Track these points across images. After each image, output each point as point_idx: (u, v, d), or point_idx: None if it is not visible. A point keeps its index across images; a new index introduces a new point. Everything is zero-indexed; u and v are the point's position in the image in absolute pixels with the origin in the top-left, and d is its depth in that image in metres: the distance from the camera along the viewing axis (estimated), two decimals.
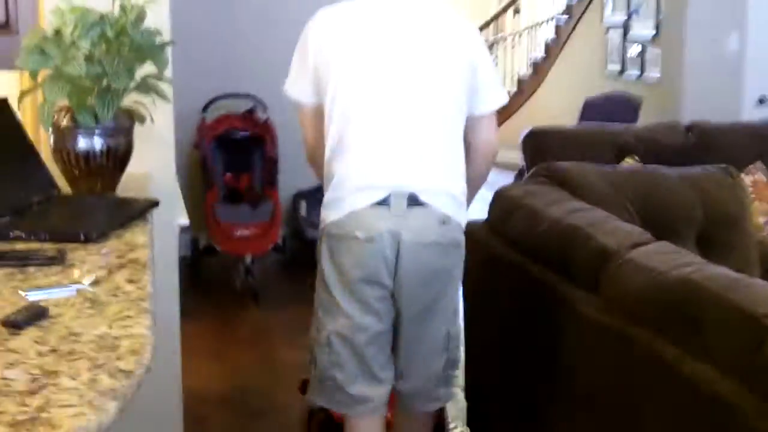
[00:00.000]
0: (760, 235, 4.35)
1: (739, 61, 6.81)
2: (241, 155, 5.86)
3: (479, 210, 3.14)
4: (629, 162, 4.53)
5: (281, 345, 4.58)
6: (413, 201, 2.47)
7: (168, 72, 2.54)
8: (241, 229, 5.41)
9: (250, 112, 5.94)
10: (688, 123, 4.89)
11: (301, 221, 5.91)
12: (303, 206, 5.96)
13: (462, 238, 2.60)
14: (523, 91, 10.02)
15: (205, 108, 5.89)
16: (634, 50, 8.11)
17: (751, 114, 6.87)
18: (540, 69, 9.82)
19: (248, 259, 5.31)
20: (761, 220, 4.41)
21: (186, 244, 5.92)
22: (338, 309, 2.52)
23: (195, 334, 4.69)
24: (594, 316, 2.40)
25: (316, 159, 2.67)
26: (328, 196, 2.54)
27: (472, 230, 3.25)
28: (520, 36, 10.46)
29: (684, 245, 3.22)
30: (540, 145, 4.54)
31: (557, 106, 9.34)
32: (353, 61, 2.52)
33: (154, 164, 2.71)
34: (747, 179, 4.64)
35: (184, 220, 2.87)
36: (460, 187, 2.59)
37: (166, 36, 2.63)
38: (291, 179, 6.11)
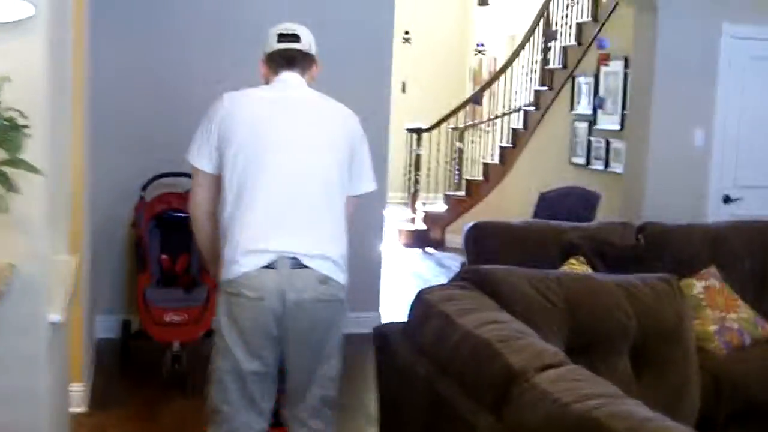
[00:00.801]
0: (711, 346, 4.11)
1: (705, 157, 6.64)
2: (179, 236, 5.59)
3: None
4: (573, 263, 4.30)
5: None
6: (297, 264, 2.90)
7: (41, 158, 2.29)
8: (170, 314, 5.11)
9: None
10: (640, 223, 4.68)
11: None
12: None
13: (342, 295, 3.02)
14: (489, 179, 9.84)
15: (145, 187, 5.66)
16: (599, 143, 7.98)
17: (716, 212, 6.69)
18: (508, 157, 9.67)
19: (176, 346, 5.01)
20: (712, 328, 4.17)
21: (116, 327, 5.64)
22: (229, 352, 2.94)
23: (110, 425, 4.39)
24: None
25: (198, 218, 3.15)
26: (224, 256, 2.93)
27: (387, 333, 3.01)
28: (493, 124, 10.32)
29: (617, 359, 3.01)
30: (483, 241, 4.32)
31: (524, 195, 9.17)
32: (249, 139, 2.93)
33: (20, 252, 2.45)
34: (699, 285, 4.41)
35: (56, 315, 2.59)
36: (339, 252, 3.00)
37: (39, 113, 2.39)
38: None
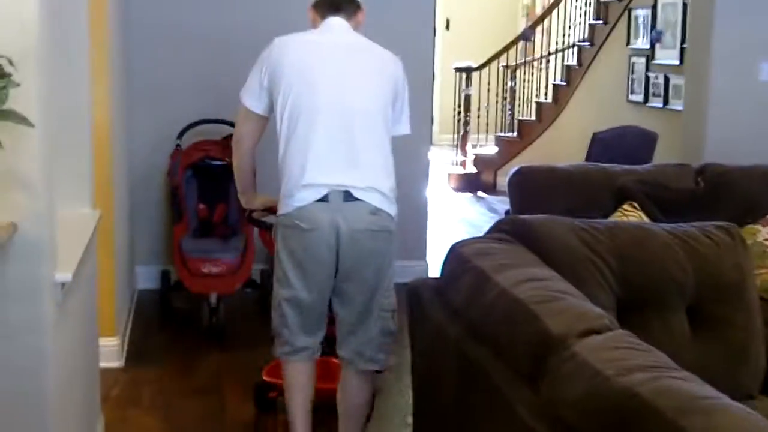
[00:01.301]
0: None
1: None
2: (216, 185, 5.43)
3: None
4: (626, 210, 4.03)
5: (234, 396, 4.12)
6: (348, 197, 3.09)
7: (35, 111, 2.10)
8: (208, 265, 4.96)
9: (229, 139, 5.51)
10: (699, 165, 4.38)
11: None
12: None
13: (392, 226, 3.21)
14: (542, 119, 9.51)
15: (180, 135, 5.49)
16: (657, 79, 7.61)
17: None
18: (561, 96, 9.32)
19: (213, 298, 4.86)
20: None
21: (157, 278, 5.52)
22: (288, 282, 3.18)
23: (145, 381, 4.27)
24: (530, 425, 1.90)
25: (242, 160, 3.43)
26: (281, 192, 3.15)
27: (419, 290, 2.81)
28: (547, 61, 9.94)
29: (672, 317, 2.76)
30: (528, 187, 4.07)
31: (578, 136, 8.84)
32: (300, 81, 3.12)
33: (21, 211, 2.27)
34: (765, 231, 4.12)
35: (65, 275, 2.42)
36: (388, 185, 3.17)
37: (31, 60, 2.19)
38: None
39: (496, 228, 2.84)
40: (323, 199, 3.07)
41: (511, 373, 2.10)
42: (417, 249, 6.05)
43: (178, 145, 5.44)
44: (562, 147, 9.06)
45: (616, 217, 4.02)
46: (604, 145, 5.45)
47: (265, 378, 3.86)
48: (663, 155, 6.29)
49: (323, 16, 3.28)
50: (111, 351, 4.37)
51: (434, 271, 6.18)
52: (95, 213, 3.43)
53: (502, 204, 8.99)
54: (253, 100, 3.25)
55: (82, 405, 3.15)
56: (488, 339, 2.25)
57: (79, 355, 3.06)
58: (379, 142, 3.17)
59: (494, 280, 2.39)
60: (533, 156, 9.39)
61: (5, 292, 2.32)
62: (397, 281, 5.82)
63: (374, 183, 3.11)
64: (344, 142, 3.10)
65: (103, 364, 3.95)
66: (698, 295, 2.77)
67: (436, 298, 2.68)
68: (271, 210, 3.44)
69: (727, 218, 4.15)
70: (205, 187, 5.42)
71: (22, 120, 2.10)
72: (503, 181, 9.64)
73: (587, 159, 5.43)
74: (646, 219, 4.02)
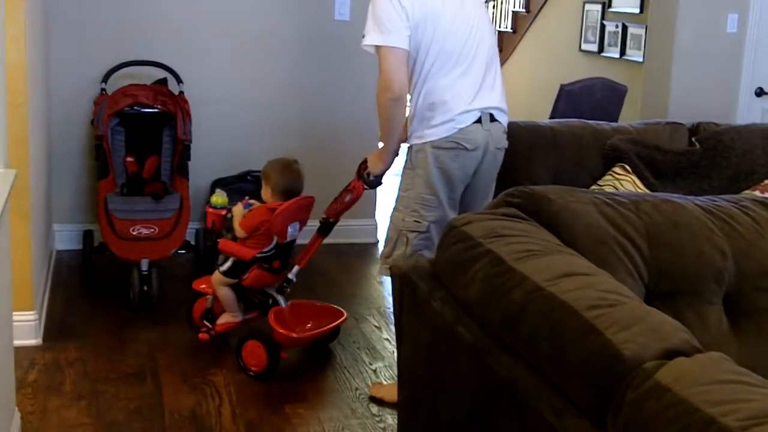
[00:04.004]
0: None
1: (737, 46, 5.91)
2: (146, 135, 4.85)
3: None
4: (619, 173, 3.61)
5: (171, 381, 3.62)
6: (492, 118, 3.41)
7: None
8: (137, 227, 4.40)
9: (161, 83, 4.92)
10: (692, 124, 3.98)
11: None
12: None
13: None
14: None
15: (106, 78, 4.86)
16: (614, 28, 7.20)
17: (748, 107, 6.01)
18: (506, 44, 8.86)
19: (145, 264, 4.31)
20: None
21: (77, 238, 4.94)
22: (438, 204, 3.38)
23: (67, 363, 3.73)
24: None
25: (402, 100, 3.33)
26: (434, 120, 3.33)
27: (410, 276, 2.33)
28: (493, 6, 9.46)
29: (708, 309, 2.33)
30: (510, 145, 3.59)
31: (525, 87, 8.41)
32: (440, 19, 3.30)
33: None
34: (762, 196, 3.75)
35: None
36: (506, 107, 3.51)
37: None
38: (207, 165, 5.13)
39: (502, 201, 2.37)
40: (478, 121, 3.35)
41: (560, 400, 1.65)
42: (365, 206, 5.56)
43: (103, 90, 4.83)
44: (508, 97, 8.61)
45: (607, 181, 3.61)
46: (572, 98, 5.01)
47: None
48: (624, 108, 5.91)
49: None
50: (27, 327, 3.82)
51: (384, 231, 5.74)
52: (9, 173, 2.87)
53: None
54: (403, 39, 3.26)
55: None
56: (522, 350, 1.79)
57: None
58: (498, 71, 3.49)
59: (519, 272, 1.92)
60: None
61: None
62: (347, 242, 5.43)
63: (503, 105, 3.46)
64: (483, 69, 3.38)
65: (17, 342, 3.41)
66: (737, 283, 2.35)
67: (436, 288, 2.20)
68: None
69: (723, 183, 3.78)
70: (134, 138, 4.84)
71: None
72: None
73: (553, 113, 5.00)
74: (639, 183, 3.62)
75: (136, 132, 4.86)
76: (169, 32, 5.11)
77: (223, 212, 3.85)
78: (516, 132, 3.65)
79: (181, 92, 4.91)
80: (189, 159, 4.80)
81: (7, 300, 2.98)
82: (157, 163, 4.81)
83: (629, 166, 3.60)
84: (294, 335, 3.71)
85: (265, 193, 3.77)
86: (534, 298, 1.81)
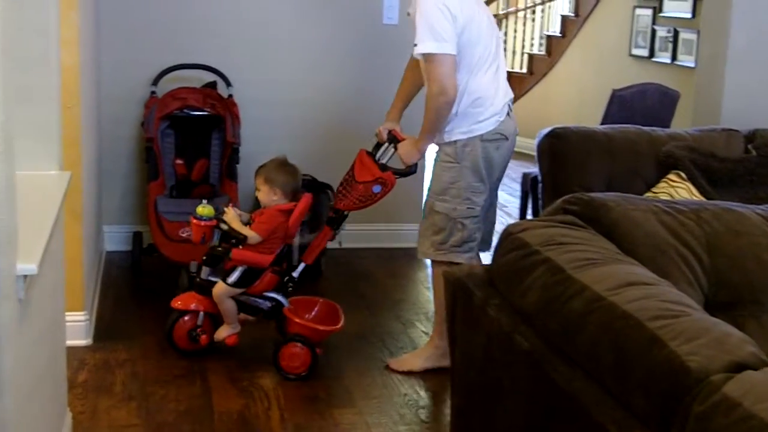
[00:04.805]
0: None
1: None
2: (196, 138, 4.87)
3: None
4: (674, 180, 3.55)
5: (220, 382, 3.62)
6: (510, 109, 3.70)
7: None
8: (187, 229, 4.40)
9: (210, 86, 4.94)
10: (749, 131, 3.91)
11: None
12: None
13: None
14: (534, 71, 8.98)
15: (156, 81, 4.89)
16: (665, 33, 7.11)
17: None
18: (555, 47, 8.79)
19: (193, 266, 4.30)
20: None
21: (127, 239, 4.97)
22: (484, 190, 3.66)
23: (117, 363, 3.75)
24: None
25: (452, 103, 3.54)
26: (484, 115, 3.59)
27: (465, 282, 2.30)
28: (541, 10, 9.39)
29: None
30: (561, 151, 3.57)
31: (573, 91, 8.34)
32: (478, 22, 3.56)
33: None
34: None
35: (30, 266, 1.88)
36: None
37: None
38: (255, 168, 5.13)
39: (559, 207, 2.34)
40: (508, 113, 3.65)
41: (622, 412, 1.61)
42: (413, 210, 5.54)
43: (153, 93, 4.86)
44: (556, 102, 8.57)
45: (662, 188, 3.56)
46: (624, 103, 4.95)
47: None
48: (675, 114, 5.82)
49: None
50: (78, 327, 3.84)
51: None
52: (64, 175, 2.88)
53: None
54: (454, 46, 3.47)
55: (46, 411, 2.61)
56: (582, 360, 1.76)
57: (44, 356, 2.52)
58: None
59: (579, 281, 1.89)
60: (523, 111, 8.83)
61: None
62: (394, 246, 5.41)
63: (511, 97, 3.74)
64: (501, 66, 3.68)
65: (68, 342, 3.42)
66: None
67: (491, 295, 2.18)
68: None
69: None
70: (184, 141, 4.87)
71: None
72: None
73: (605, 118, 4.93)
74: (694, 191, 3.56)
75: (186, 135, 4.89)
76: (218, 36, 5.13)
77: (213, 223, 3.70)
78: (569, 137, 3.61)
79: (231, 95, 4.93)
80: (238, 162, 4.82)
81: (60, 300, 3.00)
82: (206, 166, 4.83)
83: (685, 173, 3.54)
84: (329, 328, 3.75)
85: (269, 195, 3.71)
86: (595, 308, 1.78)
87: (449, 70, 3.47)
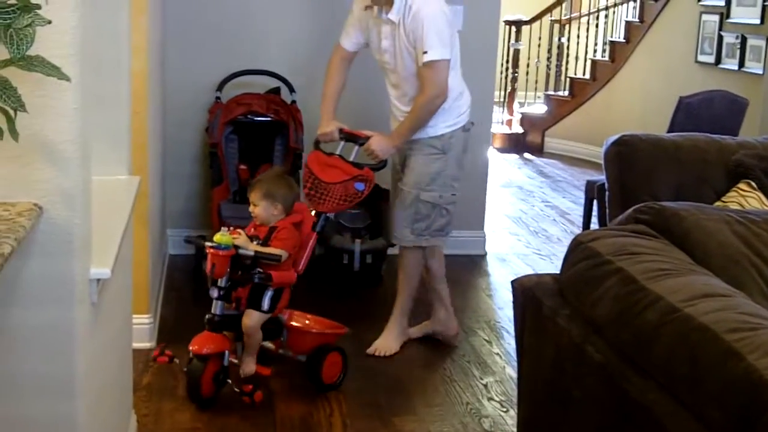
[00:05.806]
0: None
1: None
2: (259, 144, 4.90)
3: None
4: (744, 190, 3.48)
5: (282, 386, 3.62)
6: None
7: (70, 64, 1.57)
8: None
9: (274, 92, 4.97)
10: None
11: (326, 225, 4.88)
12: None
13: None
14: (597, 77, 8.89)
15: (221, 86, 4.94)
16: (733, 39, 6.99)
17: None
18: (618, 53, 8.69)
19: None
20: None
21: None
22: (462, 176, 4.00)
23: (180, 366, 3.76)
24: None
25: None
26: (464, 107, 3.92)
27: (534, 291, 2.28)
28: (606, 15, 9.30)
29: None
30: (629, 158, 3.52)
31: (637, 97, 8.24)
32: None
33: (49, 191, 1.75)
34: None
35: (104, 270, 1.91)
36: None
37: None
38: None
39: (630, 216, 2.30)
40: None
41: (697, 425, 1.58)
42: (474, 218, 5.51)
43: (218, 98, 4.90)
44: (619, 109, 8.46)
45: (732, 198, 3.49)
46: (690, 111, 4.87)
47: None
48: (744, 122, 5.72)
49: None
50: (142, 330, 3.88)
51: (492, 243, 5.69)
52: (133, 180, 2.92)
53: (552, 167, 8.44)
54: (450, 51, 3.73)
55: (113, 413, 2.64)
56: (656, 373, 1.73)
57: (114, 359, 2.56)
58: None
59: (653, 291, 1.86)
60: (586, 117, 8.81)
61: (25, 295, 1.81)
62: (455, 253, 5.38)
63: None
64: None
65: (133, 345, 3.46)
66: None
67: (561, 305, 2.15)
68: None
69: None
70: (247, 146, 4.90)
71: (54, 71, 1.56)
72: (551, 142, 9.14)
73: (672, 126, 4.85)
74: (765, 200, 3.48)
75: (249, 140, 4.92)
76: (282, 42, 5.15)
77: (232, 252, 3.39)
78: (636, 145, 3.56)
79: (294, 101, 4.95)
80: (300, 168, 4.83)
81: (128, 304, 3.04)
82: None
83: (755, 182, 3.48)
84: (345, 329, 3.78)
85: (269, 210, 3.55)
86: (670, 320, 1.75)
87: (447, 73, 3.74)
